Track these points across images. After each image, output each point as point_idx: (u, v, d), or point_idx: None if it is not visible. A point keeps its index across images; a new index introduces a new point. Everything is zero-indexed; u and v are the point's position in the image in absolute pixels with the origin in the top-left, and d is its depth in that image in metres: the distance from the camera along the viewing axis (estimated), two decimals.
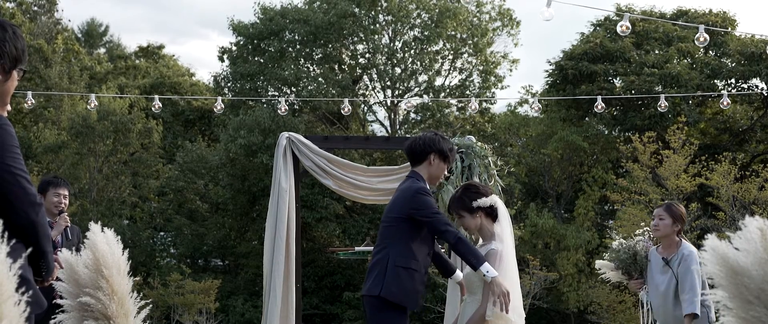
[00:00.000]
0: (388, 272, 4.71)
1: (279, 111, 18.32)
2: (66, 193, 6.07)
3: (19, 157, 2.70)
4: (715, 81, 20.91)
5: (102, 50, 37.17)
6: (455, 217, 4.86)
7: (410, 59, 23.50)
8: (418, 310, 4.93)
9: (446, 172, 7.86)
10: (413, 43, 23.44)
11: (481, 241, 4.81)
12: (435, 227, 4.71)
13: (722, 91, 19.10)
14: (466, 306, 4.70)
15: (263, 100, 22.66)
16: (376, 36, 23.32)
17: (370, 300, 4.77)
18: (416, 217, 4.72)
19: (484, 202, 4.65)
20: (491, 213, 4.69)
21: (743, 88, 20.92)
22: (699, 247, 2.99)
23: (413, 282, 4.74)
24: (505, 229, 4.70)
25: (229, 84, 24.51)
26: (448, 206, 5.21)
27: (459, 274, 4.98)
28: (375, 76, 23.84)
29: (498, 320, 4.47)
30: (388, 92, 23.87)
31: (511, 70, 32.72)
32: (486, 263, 4.50)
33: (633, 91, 19.74)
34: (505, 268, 4.54)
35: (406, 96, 23.68)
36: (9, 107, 2.87)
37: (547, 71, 21.88)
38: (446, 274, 5.15)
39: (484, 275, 4.49)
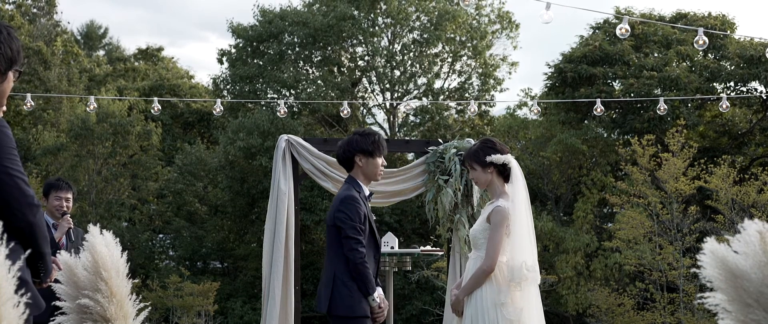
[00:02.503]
0: (334, 288, 4.69)
1: (278, 113, 18.31)
2: (69, 196, 6.05)
3: (17, 159, 2.70)
4: (714, 84, 20.89)
5: (101, 52, 37.17)
6: (468, 168, 4.88)
7: (409, 62, 23.48)
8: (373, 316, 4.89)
9: (445, 174, 7.86)
10: (412, 46, 23.43)
11: (491, 198, 4.86)
12: (345, 241, 4.66)
13: (721, 94, 19.10)
14: (470, 262, 4.79)
15: (262, 103, 22.65)
16: (376, 38, 23.31)
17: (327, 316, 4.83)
18: (337, 224, 4.71)
19: (497, 158, 4.70)
20: (503, 171, 4.73)
21: (742, 91, 20.92)
22: (698, 250, 2.99)
23: (359, 293, 4.71)
24: (517, 190, 4.71)
25: (228, 86, 24.49)
26: (462, 158, 5.23)
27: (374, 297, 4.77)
28: (374, 78, 23.83)
29: (510, 274, 4.59)
30: (387, 95, 23.86)
31: (510, 73, 32.88)
32: (378, 290, 4.66)
33: (632, 94, 19.73)
34: (514, 226, 4.61)
35: (405, 98, 23.68)
36: (4, 108, 2.86)
37: (546, 74, 21.87)
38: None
39: (374, 300, 4.66)
